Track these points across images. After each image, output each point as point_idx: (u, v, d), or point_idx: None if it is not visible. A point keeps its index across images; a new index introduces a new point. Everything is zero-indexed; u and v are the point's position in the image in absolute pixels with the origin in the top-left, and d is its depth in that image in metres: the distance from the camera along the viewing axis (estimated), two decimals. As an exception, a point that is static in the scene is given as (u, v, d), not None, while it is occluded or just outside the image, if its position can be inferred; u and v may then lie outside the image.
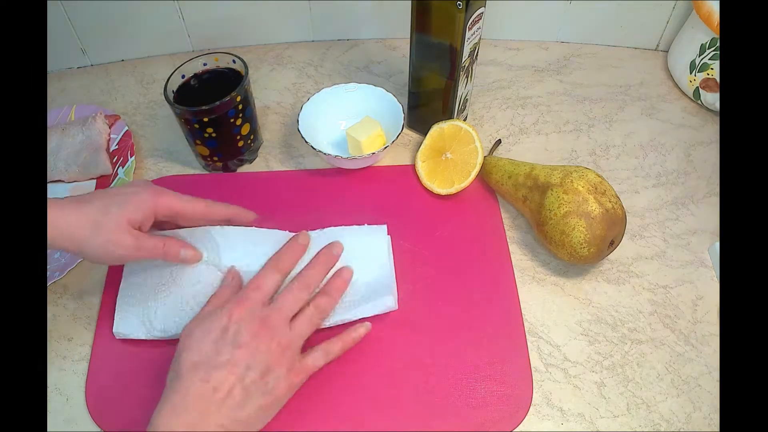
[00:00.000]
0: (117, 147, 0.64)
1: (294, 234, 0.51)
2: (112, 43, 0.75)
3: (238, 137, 0.60)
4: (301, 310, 0.46)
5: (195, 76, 0.60)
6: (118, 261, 0.48)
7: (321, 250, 0.49)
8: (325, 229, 0.55)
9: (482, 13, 0.55)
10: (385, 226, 0.56)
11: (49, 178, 0.62)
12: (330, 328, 0.50)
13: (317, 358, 0.46)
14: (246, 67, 0.59)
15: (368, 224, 0.56)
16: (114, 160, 0.63)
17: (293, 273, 0.49)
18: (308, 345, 0.46)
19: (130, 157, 0.62)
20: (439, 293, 0.53)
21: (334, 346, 0.47)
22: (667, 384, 0.49)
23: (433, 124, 0.62)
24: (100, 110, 0.66)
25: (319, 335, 0.48)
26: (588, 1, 0.72)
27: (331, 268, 0.49)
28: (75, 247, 0.45)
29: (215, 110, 0.56)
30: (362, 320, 0.49)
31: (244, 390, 0.41)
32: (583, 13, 0.73)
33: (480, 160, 0.59)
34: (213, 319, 0.44)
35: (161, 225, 0.51)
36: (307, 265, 0.48)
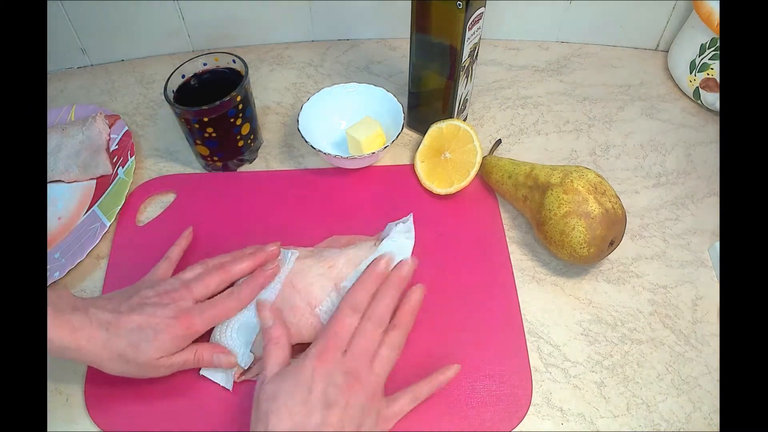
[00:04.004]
0: (117, 147, 0.64)
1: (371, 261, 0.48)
2: (112, 43, 0.75)
3: (238, 137, 0.60)
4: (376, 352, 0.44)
5: (195, 76, 0.60)
6: (146, 377, 0.46)
7: (391, 275, 0.47)
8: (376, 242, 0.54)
9: (482, 13, 0.55)
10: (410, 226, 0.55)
11: (49, 178, 0.62)
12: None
13: (404, 404, 0.44)
14: (246, 67, 0.59)
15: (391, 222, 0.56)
16: (114, 160, 0.63)
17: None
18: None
19: (130, 157, 0.62)
20: (438, 293, 0.53)
21: (422, 390, 0.45)
22: (667, 384, 0.49)
23: (433, 123, 0.62)
24: (100, 110, 0.66)
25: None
26: (588, 1, 0.72)
27: (401, 292, 0.46)
28: (97, 366, 0.44)
29: (215, 110, 0.56)
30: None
31: None
32: (583, 13, 0.73)
33: (479, 159, 0.59)
34: (295, 377, 0.41)
35: None
36: (377, 295, 0.45)
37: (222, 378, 0.48)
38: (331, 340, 0.43)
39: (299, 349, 0.48)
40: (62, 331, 0.41)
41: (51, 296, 0.43)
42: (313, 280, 0.50)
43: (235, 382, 0.48)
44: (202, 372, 0.48)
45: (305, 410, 0.40)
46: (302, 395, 0.40)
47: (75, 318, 0.42)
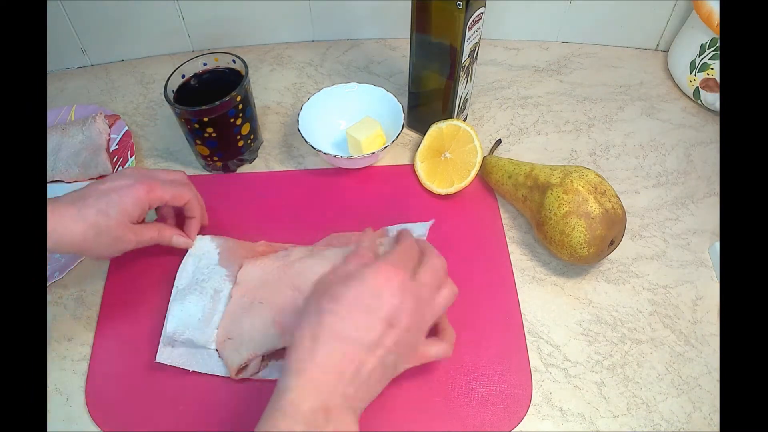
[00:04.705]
0: (117, 147, 0.64)
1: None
2: (112, 43, 0.75)
3: (238, 137, 0.60)
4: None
5: (195, 76, 0.60)
6: (118, 254, 0.50)
7: None
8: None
9: (482, 13, 0.55)
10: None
11: (49, 178, 0.62)
12: None
13: (440, 351, 0.44)
14: (246, 67, 0.59)
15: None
16: (114, 160, 0.63)
17: None
18: None
19: (130, 157, 0.62)
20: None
21: (453, 336, 0.45)
22: (667, 384, 0.49)
23: (433, 123, 0.62)
24: (100, 110, 0.66)
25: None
26: (588, 1, 0.72)
27: None
28: (78, 251, 0.47)
29: (215, 110, 0.56)
30: None
31: (383, 370, 0.39)
32: (583, 13, 0.73)
33: (479, 159, 0.59)
34: (365, 281, 0.39)
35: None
36: None
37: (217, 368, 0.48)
38: (403, 255, 0.41)
39: None
40: (50, 220, 0.44)
41: (52, 200, 0.46)
42: (316, 279, 0.50)
43: (234, 381, 0.48)
44: (195, 369, 0.48)
45: (366, 321, 0.38)
46: (369, 302, 0.38)
47: (57, 206, 0.46)
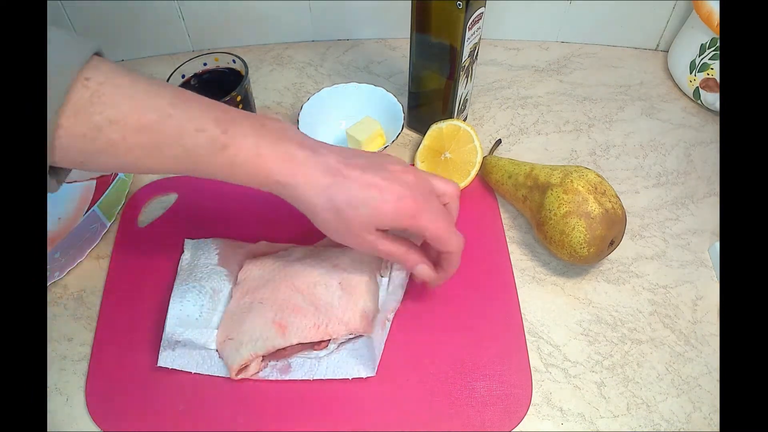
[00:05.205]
0: (117, 147, 0.64)
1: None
2: (112, 43, 0.74)
3: (238, 137, 0.60)
4: None
5: (195, 76, 0.60)
6: (346, 245, 0.44)
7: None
8: None
9: (482, 13, 0.55)
10: None
11: (49, 178, 0.62)
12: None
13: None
14: (246, 67, 0.59)
15: None
16: (114, 160, 0.63)
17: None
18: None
19: (130, 157, 0.62)
20: (438, 293, 0.53)
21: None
22: (667, 384, 0.49)
23: (433, 124, 0.62)
24: (100, 110, 0.66)
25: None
26: (588, 1, 0.72)
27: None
28: (306, 213, 0.42)
29: (215, 110, 0.56)
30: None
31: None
32: (583, 13, 0.73)
33: (479, 159, 0.59)
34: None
35: None
36: None
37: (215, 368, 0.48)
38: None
39: (299, 348, 0.48)
40: (283, 165, 0.38)
41: (274, 125, 0.40)
42: (317, 279, 0.50)
43: (234, 381, 0.48)
44: (196, 370, 0.48)
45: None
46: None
47: (300, 153, 0.39)
